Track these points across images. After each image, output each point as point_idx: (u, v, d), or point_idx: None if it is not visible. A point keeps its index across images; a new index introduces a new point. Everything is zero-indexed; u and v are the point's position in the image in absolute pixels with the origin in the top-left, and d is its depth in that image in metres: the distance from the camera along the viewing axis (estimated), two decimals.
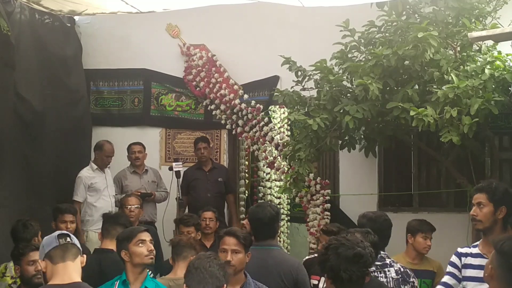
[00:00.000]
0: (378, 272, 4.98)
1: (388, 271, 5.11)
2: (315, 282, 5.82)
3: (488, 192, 4.63)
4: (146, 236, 5.22)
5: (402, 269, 5.13)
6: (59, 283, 3.75)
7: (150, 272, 5.68)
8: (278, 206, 9.86)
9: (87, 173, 8.88)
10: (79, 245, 4.04)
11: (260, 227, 5.43)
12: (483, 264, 4.02)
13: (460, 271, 4.72)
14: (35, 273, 5.56)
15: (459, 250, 4.80)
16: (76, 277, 3.81)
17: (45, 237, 3.93)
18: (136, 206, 7.65)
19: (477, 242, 4.78)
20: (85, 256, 4.01)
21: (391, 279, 5.07)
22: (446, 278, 4.78)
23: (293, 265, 5.37)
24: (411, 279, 5.11)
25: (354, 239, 3.77)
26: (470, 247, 4.78)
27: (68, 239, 3.84)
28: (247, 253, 4.93)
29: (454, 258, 4.79)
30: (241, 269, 4.85)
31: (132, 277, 5.08)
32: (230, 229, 5.21)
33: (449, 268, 4.80)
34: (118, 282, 5.06)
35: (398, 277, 5.07)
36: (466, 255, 4.72)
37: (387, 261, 5.13)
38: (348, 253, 3.64)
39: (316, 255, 6.69)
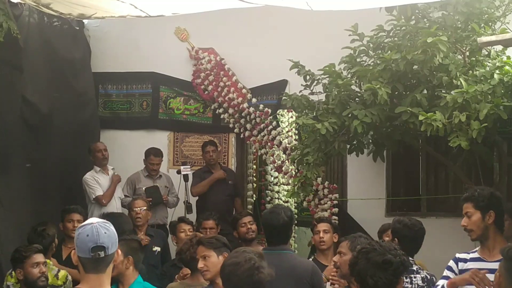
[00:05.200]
0: (404, 278, 4.96)
1: (415, 277, 5.11)
2: None
3: (472, 200, 4.64)
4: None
5: (428, 277, 5.13)
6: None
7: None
8: None
9: (91, 175, 8.89)
10: (114, 249, 3.75)
11: (273, 233, 5.44)
12: (483, 267, 4.03)
13: (456, 275, 4.69)
14: (39, 275, 5.60)
15: (457, 255, 4.79)
16: (107, 285, 3.76)
17: (79, 238, 3.61)
18: (143, 208, 7.65)
19: (476, 248, 4.78)
20: (119, 251, 3.92)
21: (416, 285, 5.06)
22: (441, 282, 4.76)
23: (307, 268, 5.37)
24: None
25: (387, 245, 3.70)
26: (468, 253, 4.76)
27: (102, 253, 3.59)
28: (223, 254, 4.98)
29: (451, 263, 4.78)
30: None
31: (119, 283, 5.15)
32: (197, 239, 5.35)
33: (445, 272, 4.78)
34: None
35: (424, 285, 5.06)
36: (465, 260, 4.70)
37: (414, 267, 5.14)
38: (377, 259, 3.58)
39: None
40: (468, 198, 4.68)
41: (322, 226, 6.77)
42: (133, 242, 5.34)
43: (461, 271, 4.66)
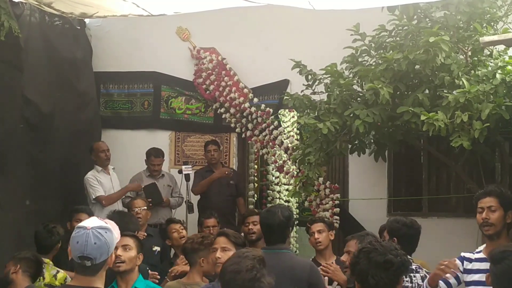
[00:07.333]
0: (404, 277, 4.95)
1: (414, 276, 5.10)
2: None
3: (499, 196, 4.65)
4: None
5: (427, 276, 5.12)
6: (76, 285, 3.70)
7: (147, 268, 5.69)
8: None
9: (93, 174, 8.86)
10: (105, 257, 3.69)
11: (270, 233, 5.43)
12: (488, 268, 4.04)
13: (461, 273, 4.69)
14: None
15: (462, 254, 4.80)
16: (98, 284, 3.74)
17: (72, 241, 3.63)
18: (143, 208, 7.61)
19: (480, 248, 4.78)
20: (113, 255, 3.88)
21: (416, 285, 5.05)
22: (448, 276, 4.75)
23: (304, 267, 5.34)
24: None
25: (388, 245, 3.68)
26: (473, 253, 4.76)
27: (88, 263, 3.60)
28: None
29: (456, 261, 4.74)
30: None
31: (119, 281, 5.09)
32: (221, 230, 5.29)
33: None
34: None
35: (423, 283, 5.06)
36: (470, 260, 4.70)
37: (413, 266, 5.12)
38: (378, 259, 3.56)
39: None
40: (493, 193, 4.67)
41: (316, 227, 6.56)
42: (139, 240, 5.32)
43: (466, 270, 4.67)
